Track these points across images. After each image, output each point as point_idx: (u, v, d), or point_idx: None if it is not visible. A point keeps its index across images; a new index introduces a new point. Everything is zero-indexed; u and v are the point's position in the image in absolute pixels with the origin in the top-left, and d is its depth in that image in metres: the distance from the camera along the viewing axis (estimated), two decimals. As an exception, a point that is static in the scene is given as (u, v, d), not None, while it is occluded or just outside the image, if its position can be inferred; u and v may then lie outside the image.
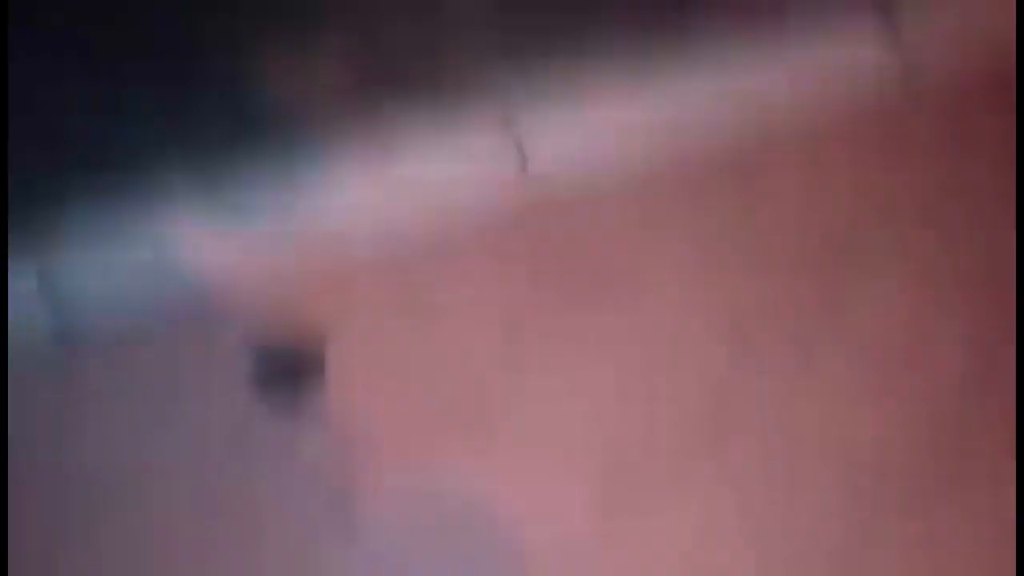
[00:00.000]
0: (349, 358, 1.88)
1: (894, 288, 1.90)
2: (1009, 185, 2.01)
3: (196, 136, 1.96)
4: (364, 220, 2.04)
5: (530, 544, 1.66)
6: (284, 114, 2.00)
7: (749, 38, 2.12)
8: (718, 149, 2.11)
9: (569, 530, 1.69)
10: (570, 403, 1.80)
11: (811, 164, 2.13)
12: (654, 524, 1.68)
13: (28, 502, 1.75)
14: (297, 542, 1.69)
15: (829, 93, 2.16)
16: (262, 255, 1.99)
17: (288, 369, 1.85)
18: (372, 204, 2.05)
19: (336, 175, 2.05)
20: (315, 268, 1.99)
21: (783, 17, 2.15)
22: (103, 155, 1.94)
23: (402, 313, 1.94)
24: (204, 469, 1.76)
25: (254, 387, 1.84)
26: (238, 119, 1.96)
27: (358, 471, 1.74)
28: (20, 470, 1.79)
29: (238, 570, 1.67)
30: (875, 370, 1.81)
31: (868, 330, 1.86)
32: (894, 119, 2.12)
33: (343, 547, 1.68)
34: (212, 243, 1.99)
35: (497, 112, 2.12)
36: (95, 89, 1.92)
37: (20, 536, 1.70)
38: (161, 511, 1.73)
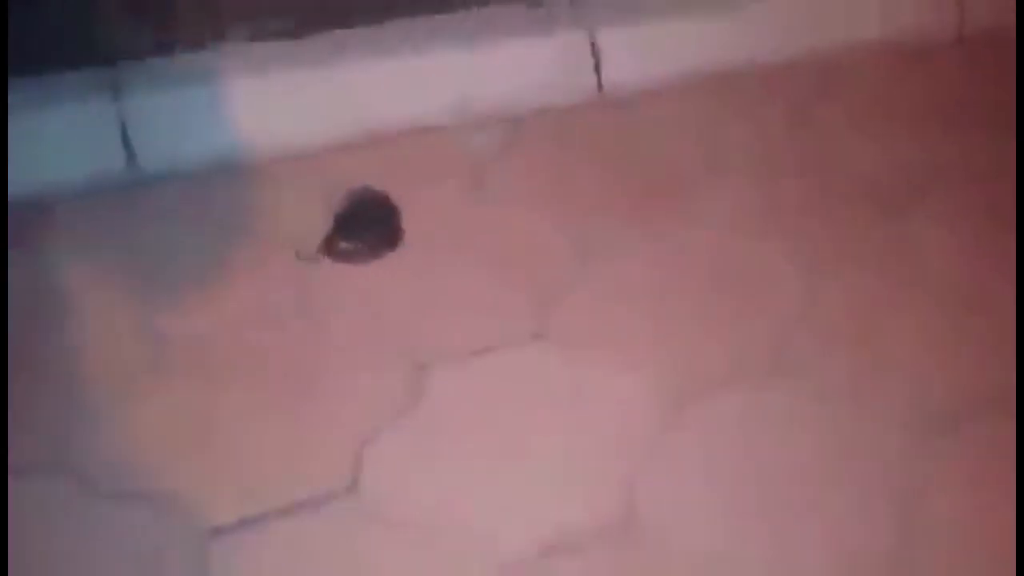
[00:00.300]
0: (422, 228, 1.92)
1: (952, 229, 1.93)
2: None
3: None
4: (442, 106, 2.11)
5: (587, 423, 1.68)
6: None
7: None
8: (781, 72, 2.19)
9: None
10: (630, 310, 1.83)
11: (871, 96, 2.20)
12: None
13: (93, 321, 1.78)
14: (364, 393, 1.71)
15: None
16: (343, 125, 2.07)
17: (366, 225, 1.92)
18: (450, 90, 2.12)
19: (417, 59, 2.11)
20: (393, 142, 2.05)
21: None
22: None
23: (473, 197, 2.00)
24: (265, 313, 1.80)
25: (332, 238, 1.90)
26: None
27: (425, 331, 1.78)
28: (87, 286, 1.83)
29: (305, 407, 1.69)
30: (942, 310, 1.82)
31: (933, 269, 1.87)
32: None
33: (408, 405, 1.70)
34: (293, 100, 2.07)
35: (575, 16, 2.17)
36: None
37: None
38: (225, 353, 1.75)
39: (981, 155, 2.06)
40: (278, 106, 2.08)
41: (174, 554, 1.53)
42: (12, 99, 1.95)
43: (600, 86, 2.19)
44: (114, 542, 1.55)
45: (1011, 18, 2.20)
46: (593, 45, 2.18)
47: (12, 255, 1.87)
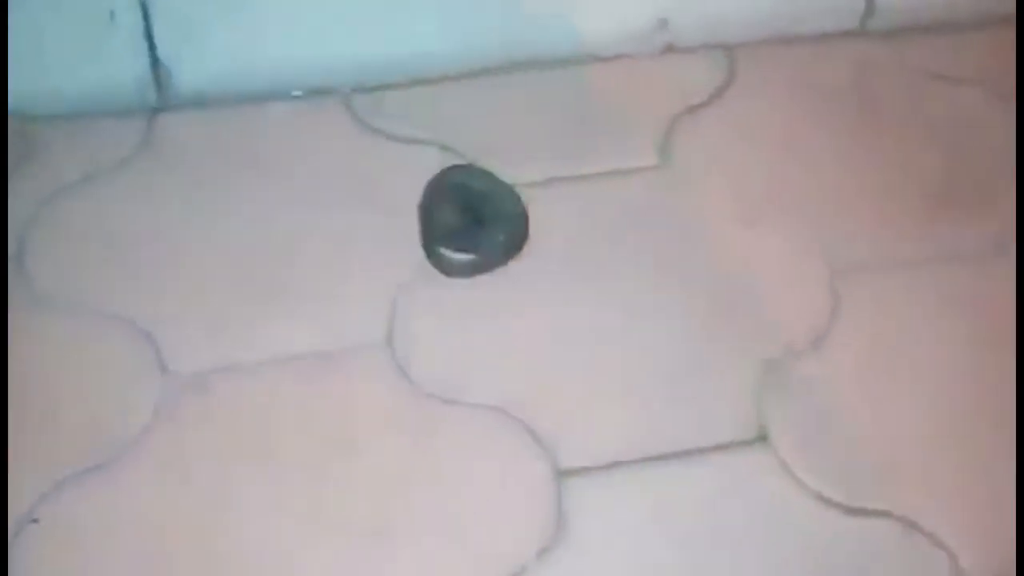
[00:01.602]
0: (569, 225, 1.26)
1: None
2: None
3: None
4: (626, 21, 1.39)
5: None
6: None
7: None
8: None
9: None
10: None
11: None
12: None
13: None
14: (488, 513, 1.05)
15: None
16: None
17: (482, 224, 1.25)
18: None
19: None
20: (550, 71, 1.39)
21: None
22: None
23: (655, 167, 1.31)
24: (336, 359, 1.15)
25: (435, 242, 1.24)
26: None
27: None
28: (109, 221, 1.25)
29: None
30: None
31: None
32: None
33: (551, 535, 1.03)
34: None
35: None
36: None
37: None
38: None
39: None
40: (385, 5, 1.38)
41: None
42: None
43: (870, 6, 1.45)
44: None
45: None
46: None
47: None
